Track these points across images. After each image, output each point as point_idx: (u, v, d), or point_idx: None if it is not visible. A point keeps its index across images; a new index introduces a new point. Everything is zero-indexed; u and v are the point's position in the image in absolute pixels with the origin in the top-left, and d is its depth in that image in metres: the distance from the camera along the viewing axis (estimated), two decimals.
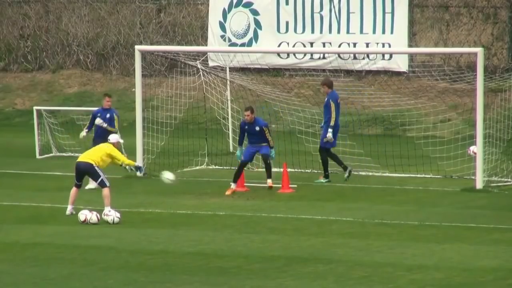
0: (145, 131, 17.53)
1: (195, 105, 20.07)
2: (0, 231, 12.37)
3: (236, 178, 15.44)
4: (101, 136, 16.03)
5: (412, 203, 14.55)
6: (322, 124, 16.50)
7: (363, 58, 23.40)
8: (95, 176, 13.12)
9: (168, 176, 13.59)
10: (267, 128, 15.64)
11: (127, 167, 13.67)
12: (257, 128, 15.61)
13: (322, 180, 16.28)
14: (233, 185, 15.37)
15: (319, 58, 24.07)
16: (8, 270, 10.30)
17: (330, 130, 16.11)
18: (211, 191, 15.62)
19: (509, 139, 17.31)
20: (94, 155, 13.20)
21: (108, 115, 16.41)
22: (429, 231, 12.39)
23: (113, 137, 13.60)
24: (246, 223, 12.97)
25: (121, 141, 13.77)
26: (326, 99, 16.46)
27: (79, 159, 13.29)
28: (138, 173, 14.91)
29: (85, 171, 13.18)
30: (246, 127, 15.69)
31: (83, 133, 16.75)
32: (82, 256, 10.95)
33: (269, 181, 15.56)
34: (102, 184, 13.11)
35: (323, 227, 12.66)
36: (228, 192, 15.24)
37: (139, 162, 16.91)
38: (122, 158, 13.36)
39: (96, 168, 13.15)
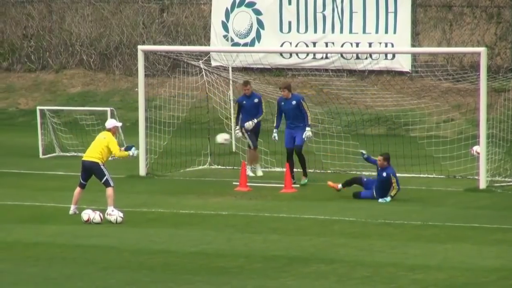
0: (147, 131, 17.51)
1: (197, 105, 20.06)
2: (2, 231, 12.37)
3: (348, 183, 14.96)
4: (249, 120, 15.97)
5: (415, 203, 14.52)
6: (276, 130, 16.06)
7: (366, 58, 23.36)
8: (100, 175, 13.07)
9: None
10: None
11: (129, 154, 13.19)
12: None
13: (306, 180, 16.15)
14: (340, 186, 14.97)
15: (322, 58, 24.04)
16: (10, 270, 10.30)
17: (308, 128, 15.89)
18: (213, 191, 15.61)
19: None
20: (97, 151, 13.11)
21: (256, 100, 16.34)
22: (432, 231, 12.36)
23: (110, 123, 13.27)
24: (248, 223, 12.95)
25: (119, 124, 13.43)
26: (292, 102, 15.92)
27: (84, 158, 13.21)
28: (133, 153, 13.95)
29: (90, 170, 13.14)
30: None
31: (238, 132, 16.27)
32: (84, 255, 10.94)
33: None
34: (106, 184, 13.08)
35: (325, 227, 12.64)
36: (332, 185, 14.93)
37: (142, 163, 16.92)
38: (116, 150, 13.03)
39: (102, 166, 13.11)
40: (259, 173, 16.73)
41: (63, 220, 13.13)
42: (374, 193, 14.67)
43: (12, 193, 15.30)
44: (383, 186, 14.68)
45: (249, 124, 16.28)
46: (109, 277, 9.99)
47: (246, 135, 16.49)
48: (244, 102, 16.48)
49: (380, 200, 14.66)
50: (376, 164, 14.85)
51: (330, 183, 15.06)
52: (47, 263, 10.58)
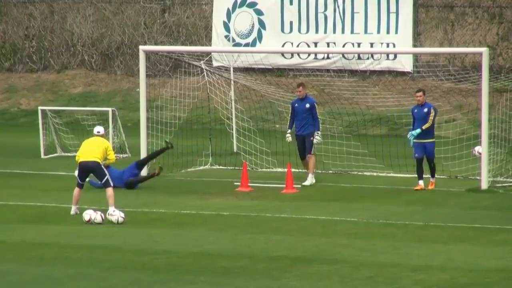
0: (149, 131, 17.53)
1: (199, 105, 20.07)
2: (6, 231, 12.38)
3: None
4: (305, 125, 15.60)
5: (417, 203, 14.53)
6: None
7: (368, 58, 23.37)
8: (102, 174, 13.11)
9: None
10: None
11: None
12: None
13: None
14: (420, 182, 15.42)
15: (323, 58, 24.05)
16: (14, 270, 10.31)
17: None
18: (215, 191, 15.62)
19: None
20: (98, 152, 13.17)
21: (307, 105, 15.68)
22: (434, 231, 12.37)
23: (102, 129, 13.48)
24: (250, 223, 12.96)
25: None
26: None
27: (84, 159, 13.22)
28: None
29: (92, 170, 13.17)
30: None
31: (289, 137, 15.77)
32: (87, 255, 10.95)
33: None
34: (106, 184, 13.11)
35: (327, 228, 12.64)
36: (417, 188, 15.37)
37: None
38: (113, 157, 13.35)
39: (103, 166, 13.18)
40: (307, 182, 15.78)
41: (66, 220, 13.14)
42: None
43: (15, 194, 15.30)
44: (425, 123, 15.16)
45: (317, 140, 15.69)
46: (112, 277, 10.00)
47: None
48: (296, 105, 15.83)
49: (409, 134, 15.07)
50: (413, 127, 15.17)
51: (417, 188, 15.41)
52: (51, 263, 10.59)
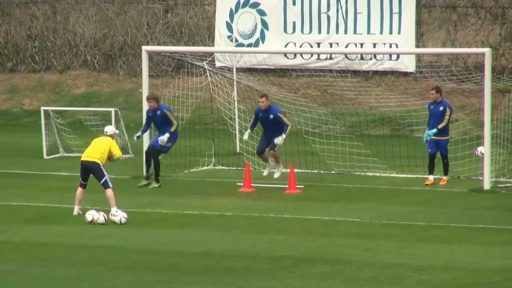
0: (152, 131, 17.53)
1: (202, 106, 20.09)
2: (9, 231, 12.40)
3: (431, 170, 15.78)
4: (271, 130, 15.61)
5: (420, 203, 14.53)
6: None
7: (370, 59, 23.37)
8: (100, 175, 13.13)
9: None
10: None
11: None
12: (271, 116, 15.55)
13: (155, 185, 15.77)
14: (430, 177, 15.78)
15: (326, 59, 24.06)
16: (17, 270, 10.33)
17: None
18: (218, 191, 15.63)
19: None
20: (97, 152, 13.21)
21: (271, 116, 15.77)
22: (437, 231, 12.37)
23: (110, 129, 13.59)
24: (253, 224, 12.97)
25: (117, 131, 13.88)
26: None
27: (84, 158, 13.28)
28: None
29: (90, 170, 13.20)
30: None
31: (246, 134, 15.98)
32: (90, 256, 10.96)
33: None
34: (105, 185, 13.12)
35: (330, 228, 12.65)
36: (427, 182, 15.74)
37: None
38: (119, 153, 13.42)
39: (102, 167, 13.19)
40: (276, 174, 16.12)
41: (69, 221, 13.15)
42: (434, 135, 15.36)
43: (17, 194, 15.32)
44: (440, 121, 15.43)
45: (278, 140, 15.66)
46: (115, 277, 10.01)
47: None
48: (260, 114, 15.98)
49: (425, 134, 15.34)
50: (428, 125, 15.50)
51: (427, 182, 15.75)
52: (53, 264, 10.60)
